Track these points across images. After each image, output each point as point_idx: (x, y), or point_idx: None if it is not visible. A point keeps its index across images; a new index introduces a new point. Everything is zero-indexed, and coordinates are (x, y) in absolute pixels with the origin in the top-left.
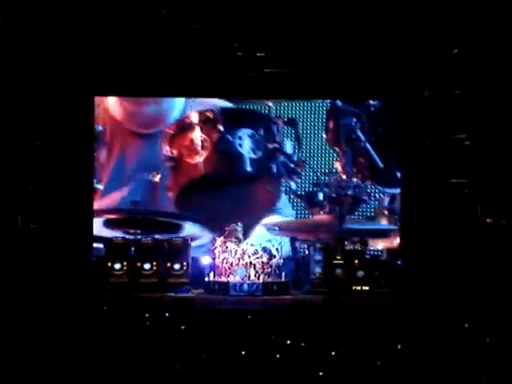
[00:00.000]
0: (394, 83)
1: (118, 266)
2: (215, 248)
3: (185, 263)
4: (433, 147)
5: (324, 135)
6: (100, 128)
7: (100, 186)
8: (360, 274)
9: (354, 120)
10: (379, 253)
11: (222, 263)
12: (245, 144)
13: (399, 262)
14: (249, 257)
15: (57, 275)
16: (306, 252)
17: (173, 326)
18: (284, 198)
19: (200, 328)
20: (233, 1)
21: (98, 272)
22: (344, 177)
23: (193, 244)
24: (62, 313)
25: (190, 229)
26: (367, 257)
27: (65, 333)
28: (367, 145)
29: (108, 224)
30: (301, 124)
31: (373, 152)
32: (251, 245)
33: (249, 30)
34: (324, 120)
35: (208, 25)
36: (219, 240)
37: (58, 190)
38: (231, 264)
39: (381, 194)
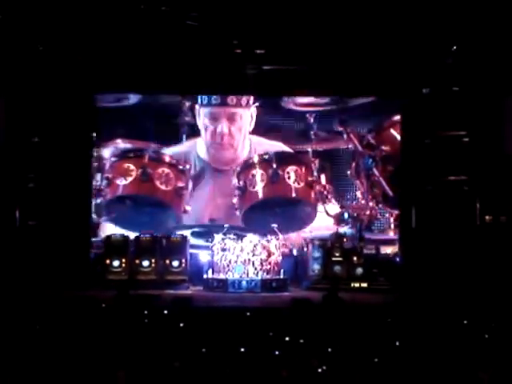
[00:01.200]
0: (393, 80)
1: (116, 263)
2: (214, 245)
3: (183, 260)
4: (431, 144)
5: (348, 172)
6: (187, 166)
7: (188, 208)
8: (359, 271)
9: (371, 160)
10: (389, 255)
11: (221, 260)
12: (291, 177)
13: (398, 259)
14: (247, 254)
15: (55, 272)
16: (305, 249)
17: (171, 323)
18: (319, 215)
19: (199, 325)
20: None
21: (96, 269)
22: (363, 202)
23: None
24: (61, 310)
25: (250, 237)
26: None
27: (63, 330)
28: (380, 179)
29: (195, 234)
30: (334, 163)
31: (384, 184)
32: (250, 242)
33: (248, 27)
34: (349, 161)
35: (207, 22)
36: (218, 237)
37: (57, 187)
38: (230, 261)
39: (388, 214)
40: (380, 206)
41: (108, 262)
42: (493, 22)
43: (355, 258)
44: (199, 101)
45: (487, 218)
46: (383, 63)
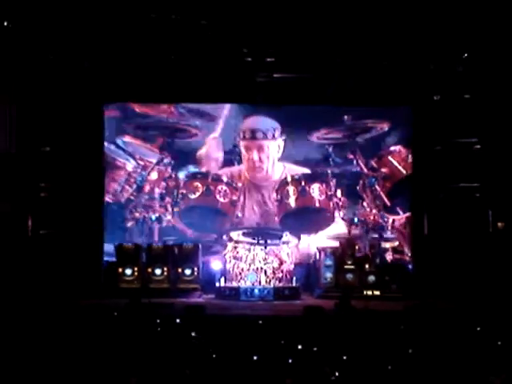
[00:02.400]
0: (405, 88)
1: (128, 271)
2: (226, 253)
3: (195, 268)
4: (443, 151)
5: (357, 188)
6: (239, 184)
7: (240, 215)
8: (371, 278)
9: (373, 180)
10: (387, 249)
11: (233, 268)
12: (315, 191)
13: (410, 267)
14: (259, 262)
15: (68, 281)
16: (318, 257)
17: (184, 332)
18: (336, 220)
19: (211, 333)
20: (242, 6)
21: (108, 278)
22: (368, 210)
23: (289, 245)
24: (73, 319)
25: (286, 237)
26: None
27: (76, 338)
28: (381, 193)
29: (245, 234)
30: (347, 182)
31: (384, 197)
32: (261, 250)
33: (258, 35)
34: (357, 180)
35: (217, 30)
36: (230, 245)
37: (69, 196)
38: (242, 269)
39: (386, 219)
40: (381, 213)
41: (120, 270)
42: (503, 30)
43: (367, 266)
44: (241, 136)
45: (499, 224)
46: (394, 71)
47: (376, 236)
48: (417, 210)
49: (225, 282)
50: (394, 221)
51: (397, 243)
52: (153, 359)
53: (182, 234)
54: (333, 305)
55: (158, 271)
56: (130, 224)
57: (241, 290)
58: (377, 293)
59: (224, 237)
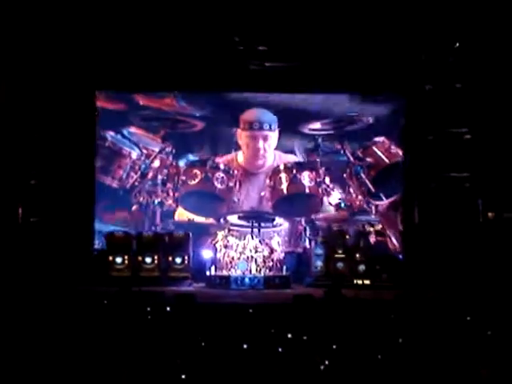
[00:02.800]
0: (395, 77)
1: (119, 259)
2: (216, 242)
3: (186, 257)
4: (434, 141)
5: (344, 175)
6: (235, 171)
7: (236, 200)
8: (361, 267)
9: (359, 168)
10: (370, 231)
11: (224, 257)
12: (306, 178)
13: (400, 256)
14: (250, 251)
15: (57, 269)
16: (308, 246)
17: (174, 320)
18: (325, 205)
19: (201, 322)
20: None
21: (99, 266)
22: (354, 196)
23: (278, 228)
24: (63, 307)
25: (278, 220)
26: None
27: (65, 327)
28: (366, 180)
29: (240, 218)
30: (334, 170)
31: (369, 184)
32: (252, 239)
33: (250, 24)
34: (345, 168)
35: (209, 18)
36: (220, 234)
37: (59, 184)
38: (232, 258)
39: (371, 204)
40: (366, 198)
41: (111, 258)
42: (495, 19)
43: (358, 255)
44: (245, 127)
45: (490, 214)
46: (386, 60)
47: (361, 219)
48: (408, 200)
49: (215, 270)
50: (377, 206)
51: (380, 226)
52: (143, 348)
53: (181, 218)
54: (323, 293)
55: (148, 259)
56: (134, 208)
57: (231, 278)
58: (367, 282)
59: (221, 220)
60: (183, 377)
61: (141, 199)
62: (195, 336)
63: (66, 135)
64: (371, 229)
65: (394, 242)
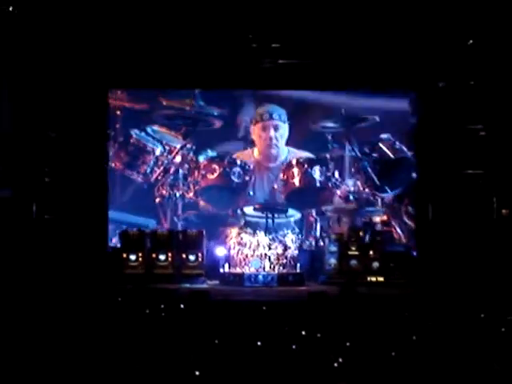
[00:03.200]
0: (410, 74)
1: (133, 257)
2: (230, 239)
3: (200, 254)
4: (448, 138)
5: (352, 169)
6: (251, 166)
7: (251, 193)
8: (375, 265)
9: (366, 163)
10: (377, 222)
11: (237, 254)
12: (316, 173)
13: (414, 253)
14: (264, 248)
15: (72, 267)
16: (322, 244)
17: (188, 317)
18: (334, 197)
19: (215, 319)
20: None
21: (113, 263)
22: (361, 188)
23: (291, 219)
24: (78, 304)
25: (291, 211)
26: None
27: (80, 324)
28: (372, 174)
29: (255, 209)
30: (343, 165)
31: (375, 178)
32: (265, 236)
33: (263, 21)
34: (353, 163)
35: (223, 16)
36: (234, 231)
37: (73, 182)
38: (246, 255)
39: (377, 196)
40: (372, 191)
41: (125, 256)
42: (509, 16)
43: (371, 252)
44: (258, 119)
45: (504, 211)
46: (400, 57)
47: (368, 210)
48: (421, 197)
49: (229, 268)
50: (383, 198)
51: (385, 217)
52: (157, 345)
53: (201, 209)
54: (337, 291)
55: (162, 257)
56: (157, 200)
57: (245, 276)
58: (381, 279)
59: (238, 211)
60: (197, 373)
61: (163, 192)
62: (209, 333)
63: (79, 133)
64: (377, 219)
65: (398, 231)
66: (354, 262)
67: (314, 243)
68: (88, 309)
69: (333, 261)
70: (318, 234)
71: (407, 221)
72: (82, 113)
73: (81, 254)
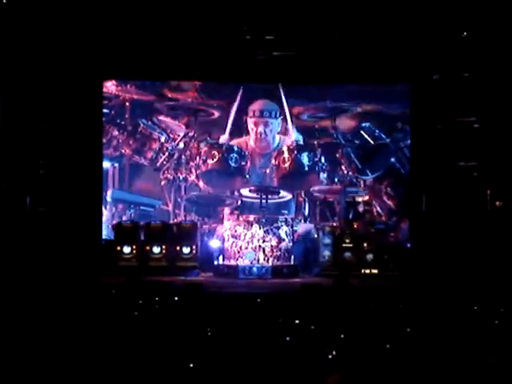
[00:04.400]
0: (404, 66)
1: (127, 249)
2: (225, 231)
3: (194, 246)
4: (442, 130)
5: (337, 155)
6: (247, 152)
7: (247, 176)
8: (369, 257)
9: (349, 149)
10: (359, 202)
11: (231, 247)
12: (305, 158)
13: (408, 245)
14: (258, 240)
15: (66, 259)
16: (316, 236)
17: (182, 310)
18: (321, 180)
19: (209, 311)
20: None
21: (107, 256)
22: (345, 172)
23: (282, 200)
24: (71, 296)
25: (282, 193)
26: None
27: (74, 316)
28: (355, 159)
29: (251, 191)
30: (329, 150)
31: (357, 162)
32: (260, 228)
33: (257, 13)
34: (338, 149)
35: (217, 8)
36: (229, 223)
37: (67, 174)
38: (240, 247)
39: (359, 178)
40: (355, 174)
41: (119, 248)
42: (503, 9)
43: (365, 244)
44: (251, 114)
45: (497, 203)
46: (393, 50)
47: (351, 191)
48: (415, 189)
49: (223, 260)
50: (364, 180)
51: (367, 197)
52: (151, 337)
53: (202, 191)
54: (331, 283)
55: (156, 249)
56: (163, 183)
57: (239, 268)
58: (375, 271)
59: (235, 192)
60: (191, 365)
61: (168, 176)
62: (203, 325)
63: (73, 125)
64: (360, 199)
65: (378, 210)
66: (348, 254)
67: (302, 221)
68: (82, 301)
69: (327, 253)
70: (306, 212)
71: (387, 201)
72: (76, 104)
73: (75, 247)
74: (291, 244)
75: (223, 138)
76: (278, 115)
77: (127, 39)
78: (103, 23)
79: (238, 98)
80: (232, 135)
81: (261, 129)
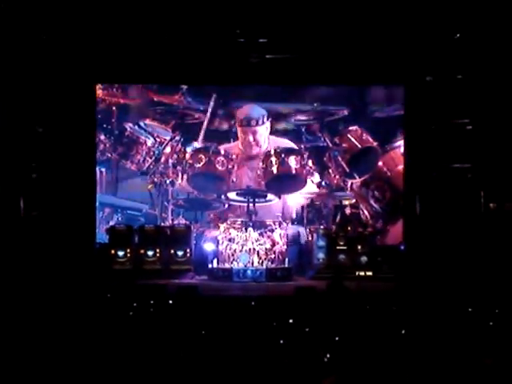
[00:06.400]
0: (397, 68)
1: (121, 253)
2: (219, 234)
3: (188, 250)
4: (435, 132)
5: (324, 159)
6: (234, 156)
7: (234, 179)
8: (363, 259)
9: (336, 152)
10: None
11: (226, 250)
12: (292, 161)
13: (402, 247)
14: (252, 243)
15: (59, 263)
16: (310, 238)
17: (176, 313)
18: (308, 183)
19: (204, 314)
20: None
21: (101, 259)
22: (332, 175)
23: (269, 203)
24: (66, 301)
25: (270, 196)
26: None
27: (68, 320)
28: (342, 163)
29: (238, 194)
30: (316, 154)
31: (345, 166)
32: (254, 231)
33: (250, 16)
34: (324, 153)
35: (209, 11)
36: (222, 226)
37: (61, 178)
38: (235, 250)
39: (346, 182)
40: (342, 177)
41: (113, 252)
42: (496, 10)
43: (360, 247)
44: (238, 123)
45: (491, 205)
46: (386, 51)
47: (338, 194)
48: (409, 190)
49: (217, 263)
50: (352, 183)
51: (354, 200)
52: (145, 341)
53: (189, 195)
54: (325, 286)
55: (150, 252)
56: (149, 186)
57: (233, 271)
58: (369, 273)
59: (222, 196)
60: (186, 368)
61: (155, 179)
62: (197, 328)
63: (67, 128)
64: (347, 202)
65: (365, 213)
66: (342, 257)
67: (290, 224)
68: (76, 305)
69: (321, 255)
70: (293, 215)
71: (374, 204)
72: (69, 108)
73: (69, 250)
74: (285, 247)
75: (196, 144)
76: (265, 120)
77: (120, 43)
78: (96, 26)
79: (212, 103)
80: (213, 140)
81: (250, 137)
